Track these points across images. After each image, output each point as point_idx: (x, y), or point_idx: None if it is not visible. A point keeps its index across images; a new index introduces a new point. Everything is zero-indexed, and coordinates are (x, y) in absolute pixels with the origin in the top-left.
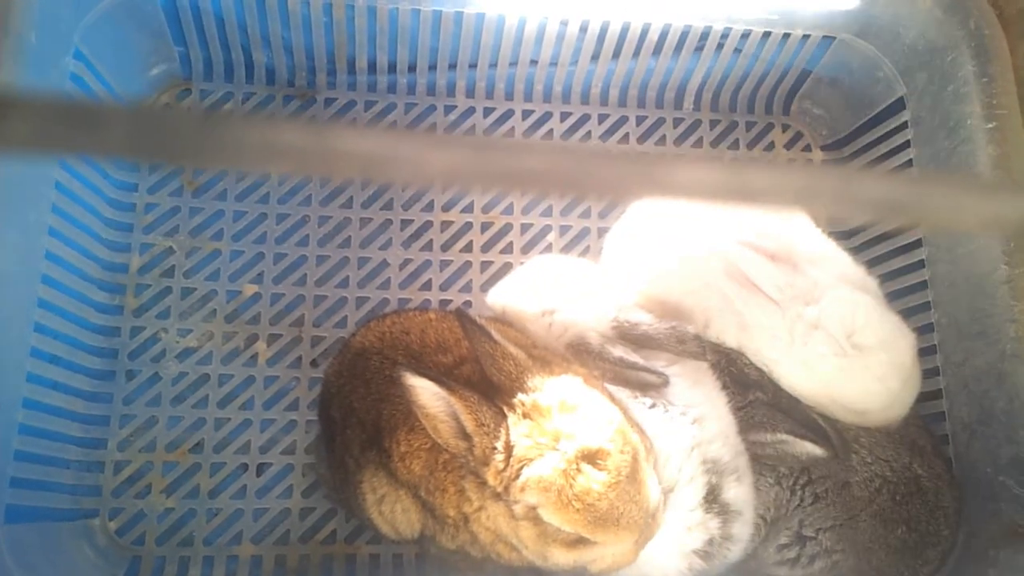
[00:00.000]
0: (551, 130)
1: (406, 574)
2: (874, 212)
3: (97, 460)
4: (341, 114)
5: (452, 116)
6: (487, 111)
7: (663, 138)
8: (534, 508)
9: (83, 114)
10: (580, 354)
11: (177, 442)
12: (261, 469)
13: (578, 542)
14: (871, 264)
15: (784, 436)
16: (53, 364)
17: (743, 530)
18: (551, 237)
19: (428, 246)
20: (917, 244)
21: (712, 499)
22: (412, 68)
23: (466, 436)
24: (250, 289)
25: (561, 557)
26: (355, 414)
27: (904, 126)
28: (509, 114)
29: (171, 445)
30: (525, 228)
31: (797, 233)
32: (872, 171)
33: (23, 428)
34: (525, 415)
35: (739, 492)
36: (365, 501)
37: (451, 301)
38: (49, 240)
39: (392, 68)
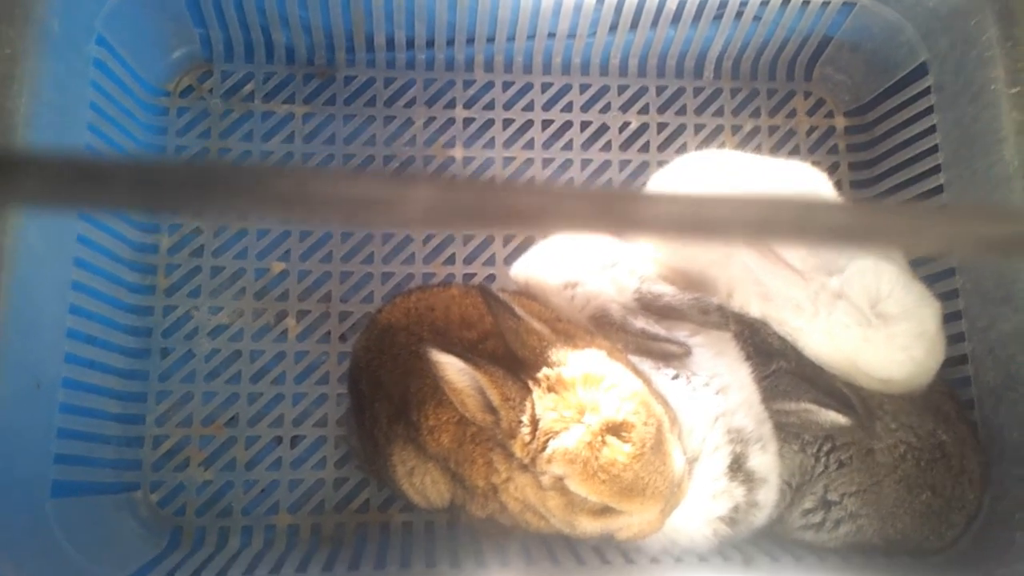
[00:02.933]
0: (570, 103)
1: (439, 541)
2: (833, 240)
3: (136, 435)
4: (361, 92)
5: (471, 91)
6: (506, 85)
7: (683, 108)
8: (561, 479)
9: (87, 170)
10: (602, 326)
11: (212, 416)
12: (295, 441)
13: (604, 511)
14: None
15: (808, 405)
16: (89, 344)
17: (768, 496)
18: None
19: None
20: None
21: (737, 467)
22: (430, 44)
23: (492, 410)
24: (278, 267)
25: (588, 526)
26: (383, 388)
27: (927, 91)
28: (528, 87)
29: (207, 419)
30: None
31: None
32: (828, 201)
33: (64, 407)
34: (550, 389)
35: (764, 460)
36: (395, 473)
37: (475, 275)
38: (80, 223)
39: (410, 44)
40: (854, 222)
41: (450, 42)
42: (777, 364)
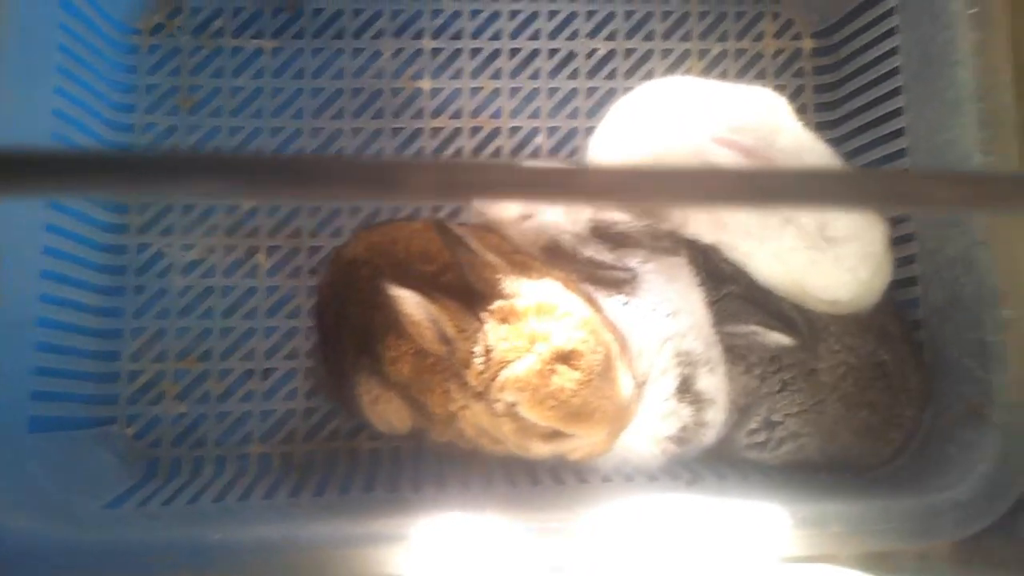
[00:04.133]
0: (538, 30)
1: (404, 467)
2: (778, 203)
3: (112, 371)
4: (329, 24)
5: (439, 20)
6: (474, 13)
7: (651, 33)
8: (513, 406)
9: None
10: (555, 256)
11: (186, 351)
12: (267, 374)
13: (555, 435)
14: (852, 155)
15: (755, 327)
16: (63, 283)
17: (716, 416)
18: (539, 139)
19: (418, 153)
20: (899, 133)
21: (685, 389)
22: None
23: (448, 341)
24: (248, 203)
25: (540, 449)
26: (348, 321)
27: (891, 12)
28: (495, 16)
29: (181, 354)
30: (514, 131)
31: (776, 128)
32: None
33: (40, 345)
34: (503, 320)
35: (712, 381)
36: (361, 402)
37: (441, 207)
38: None
39: None
40: (800, 186)
41: None
42: (727, 288)
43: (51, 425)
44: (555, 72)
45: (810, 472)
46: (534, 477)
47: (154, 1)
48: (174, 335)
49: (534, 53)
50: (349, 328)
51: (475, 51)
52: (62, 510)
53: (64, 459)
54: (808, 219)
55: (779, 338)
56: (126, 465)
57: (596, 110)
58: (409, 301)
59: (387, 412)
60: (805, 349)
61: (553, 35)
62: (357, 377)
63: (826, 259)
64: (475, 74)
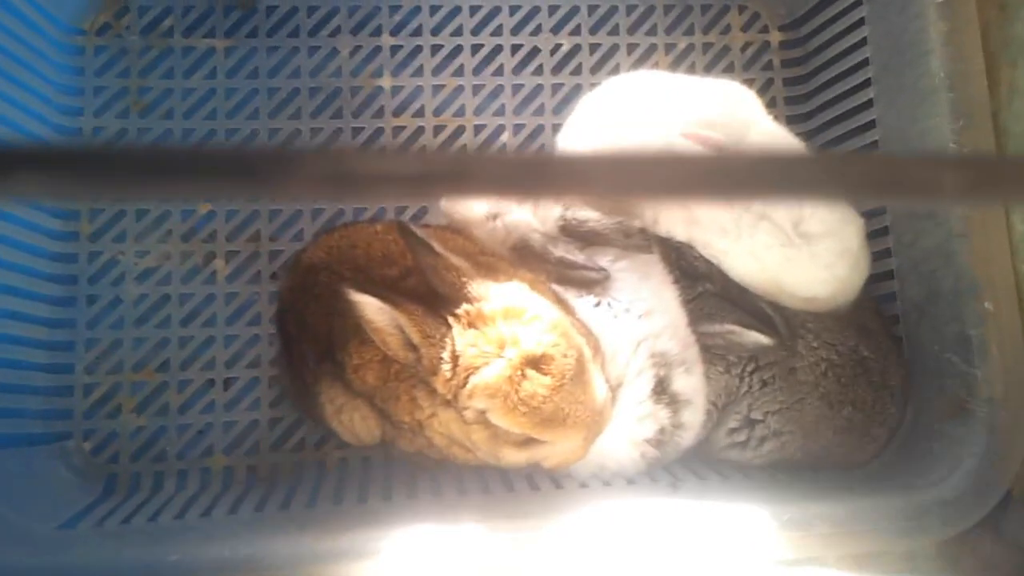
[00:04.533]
0: (500, 25)
1: (374, 476)
2: (746, 195)
3: (66, 384)
4: (284, 22)
5: (398, 17)
6: (433, 9)
7: (616, 28)
8: (483, 413)
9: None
10: (524, 257)
11: (143, 362)
12: (228, 383)
13: (528, 442)
14: (825, 148)
15: (732, 326)
16: (10, 295)
17: (694, 418)
18: (505, 136)
19: (355, 148)
20: (871, 125)
21: (661, 390)
22: None
23: (413, 347)
24: (204, 207)
25: (513, 456)
26: (309, 329)
27: (859, 3)
28: (456, 11)
29: (138, 365)
30: (479, 129)
31: (746, 122)
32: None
33: None
34: (470, 324)
35: (688, 382)
36: (325, 411)
37: (406, 208)
38: None
39: None
40: (767, 172)
41: None
42: (703, 287)
43: (2, 442)
44: (519, 68)
45: (793, 472)
46: (509, 484)
47: (100, 1)
48: (130, 346)
49: (497, 49)
50: (310, 335)
51: (436, 47)
52: (13, 532)
53: (16, 477)
54: (782, 215)
55: (757, 337)
56: (83, 482)
57: (562, 107)
58: (371, 306)
59: (353, 422)
60: (784, 347)
61: (516, 30)
62: (320, 386)
63: (802, 256)
64: (437, 71)
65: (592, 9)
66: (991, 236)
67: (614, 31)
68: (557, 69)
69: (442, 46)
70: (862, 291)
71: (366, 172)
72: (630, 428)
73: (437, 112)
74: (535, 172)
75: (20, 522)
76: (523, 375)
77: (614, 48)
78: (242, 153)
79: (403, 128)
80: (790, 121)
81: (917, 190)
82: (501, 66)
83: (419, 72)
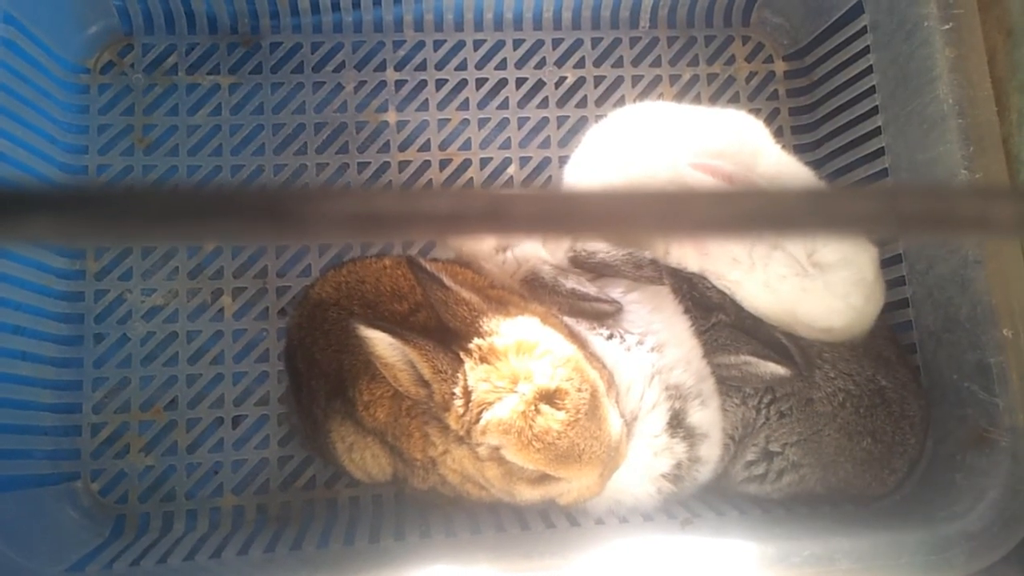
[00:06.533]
0: (504, 59)
1: (385, 514)
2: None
3: (73, 424)
4: (288, 58)
5: (402, 52)
6: (437, 44)
7: (620, 60)
8: (497, 449)
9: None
10: (535, 289)
11: (151, 401)
12: (237, 421)
13: (543, 479)
14: (834, 177)
15: (748, 357)
16: (17, 335)
17: (711, 451)
18: (511, 169)
19: (387, 187)
20: (879, 153)
21: (677, 424)
22: (356, 5)
23: (425, 383)
24: (210, 244)
25: (528, 493)
26: (318, 365)
27: (863, 31)
28: (460, 45)
29: (145, 404)
30: (485, 162)
31: (755, 151)
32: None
33: None
34: (482, 359)
35: (704, 415)
36: (335, 449)
37: (412, 242)
38: None
39: (336, 6)
40: (810, 208)
41: (377, 2)
42: (716, 318)
43: (9, 484)
44: (524, 101)
45: (812, 505)
46: (523, 521)
47: (103, 38)
48: (138, 384)
49: (502, 83)
50: (320, 372)
51: (440, 82)
52: None
53: (24, 519)
54: (795, 245)
55: (773, 367)
56: (91, 523)
57: (568, 138)
58: (382, 342)
59: (364, 459)
60: (801, 378)
61: (520, 64)
62: (330, 423)
63: (816, 286)
64: (442, 105)
65: (596, 42)
66: (1007, 262)
67: (618, 63)
68: (562, 102)
69: (446, 80)
70: (877, 320)
71: (397, 212)
72: (646, 463)
73: (443, 146)
74: (569, 209)
75: (28, 565)
76: (537, 410)
77: (618, 80)
78: (269, 194)
79: (409, 162)
80: (798, 150)
81: (964, 225)
82: (506, 99)
83: (424, 107)
